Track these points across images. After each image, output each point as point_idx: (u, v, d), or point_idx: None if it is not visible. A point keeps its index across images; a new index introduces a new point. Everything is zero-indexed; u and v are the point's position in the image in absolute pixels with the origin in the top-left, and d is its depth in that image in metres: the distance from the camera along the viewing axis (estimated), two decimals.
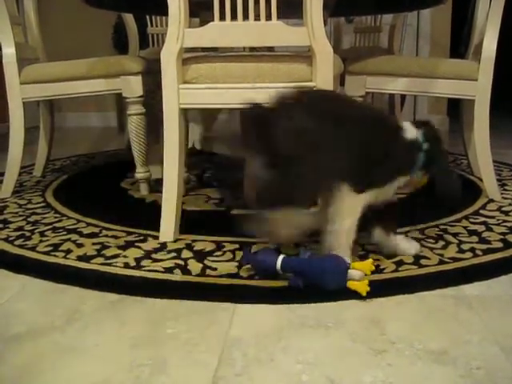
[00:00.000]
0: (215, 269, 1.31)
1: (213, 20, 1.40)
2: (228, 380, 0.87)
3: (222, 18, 1.40)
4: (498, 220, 1.66)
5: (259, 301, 1.15)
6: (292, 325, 1.05)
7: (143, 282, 1.25)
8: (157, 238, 1.51)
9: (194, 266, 1.32)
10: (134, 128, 1.94)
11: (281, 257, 1.21)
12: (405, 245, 1.36)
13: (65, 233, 1.59)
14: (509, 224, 1.61)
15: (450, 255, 1.37)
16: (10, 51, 1.94)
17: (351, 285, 1.16)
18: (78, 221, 1.71)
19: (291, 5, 1.54)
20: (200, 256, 1.39)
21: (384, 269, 1.29)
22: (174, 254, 1.40)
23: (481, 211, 1.75)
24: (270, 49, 1.88)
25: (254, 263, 1.24)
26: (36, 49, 2.26)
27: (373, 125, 1.22)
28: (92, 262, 1.36)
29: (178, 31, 1.40)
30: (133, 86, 1.89)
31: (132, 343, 0.99)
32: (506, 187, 2.06)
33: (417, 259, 1.34)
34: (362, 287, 1.15)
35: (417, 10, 2.75)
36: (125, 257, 1.39)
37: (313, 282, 1.17)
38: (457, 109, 2.34)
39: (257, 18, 1.40)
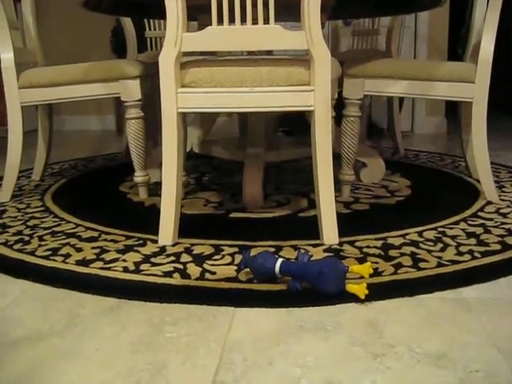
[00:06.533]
0: (214, 273, 1.31)
1: (211, 24, 1.41)
2: None
3: (220, 21, 1.40)
4: (496, 222, 1.66)
5: (258, 304, 1.16)
6: (291, 328, 1.05)
7: (142, 286, 1.25)
8: (156, 241, 1.52)
9: (193, 270, 1.32)
10: (133, 132, 1.94)
11: (279, 260, 1.21)
12: None
13: (64, 237, 1.60)
14: (507, 226, 1.62)
15: (449, 258, 1.37)
16: (8, 56, 1.94)
17: (350, 288, 1.16)
18: (77, 225, 1.71)
19: (289, 8, 1.55)
20: (199, 260, 1.39)
21: (382, 272, 1.29)
22: (172, 258, 1.41)
23: (479, 213, 1.76)
24: (269, 52, 1.89)
25: (253, 267, 1.24)
26: (34, 53, 2.26)
27: None
28: (91, 266, 1.37)
29: (176, 35, 1.41)
30: (131, 90, 1.89)
31: (131, 347, 0.99)
32: (503, 189, 2.07)
33: (415, 262, 1.35)
34: (361, 290, 1.15)
35: (414, 12, 2.75)
36: (124, 261, 1.39)
37: (311, 286, 1.17)
38: (455, 111, 2.35)
39: (255, 21, 1.40)
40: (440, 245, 1.47)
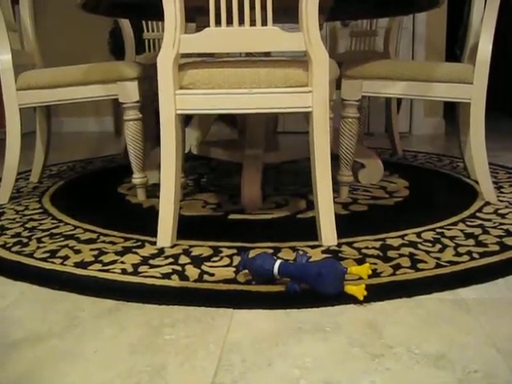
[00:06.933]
0: (212, 274, 1.31)
1: (209, 25, 1.41)
2: None
3: (218, 23, 1.40)
4: (494, 223, 1.66)
5: (257, 306, 1.15)
6: (289, 329, 1.05)
7: (141, 288, 1.25)
8: (154, 243, 1.52)
9: (192, 272, 1.32)
10: (131, 133, 1.94)
11: (278, 262, 1.21)
12: None
13: (62, 239, 1.59)
14: (505, 227, 1.62)
15: (447, 259, 1.37)
16: (6, 58, 1.94)
17: (348, 289, 1.16)
18: (76, 227, 1.71)
19: (287, 10, 1.55)
20: (197, 261, 1.39)
21: (381, 273, 1.29)
22: (171, 260, 1.40)
23: (477, 214, 1.76)
24: (267, 54, 1.89)
25: (252, 268, 1.24)
26: (32, 55, 2.26)
27: None
28: (89, 268, 1.36)
29: (174, 37, 1.41)
30: (129, 92, 1.89)
31: (130, 349, 0.99)
32: (502, 190, 2.07)
33: (414, 263, 1.35)
34: (359, 291, 1.15)
35: (412, 13, 2.76)
36: (122, 263, 1.39)
37: (310, 287, 1.17)
38: (453, 111, 2.35)
39: (253, 23, 1.40)
40: (438, 246, 1.47)
